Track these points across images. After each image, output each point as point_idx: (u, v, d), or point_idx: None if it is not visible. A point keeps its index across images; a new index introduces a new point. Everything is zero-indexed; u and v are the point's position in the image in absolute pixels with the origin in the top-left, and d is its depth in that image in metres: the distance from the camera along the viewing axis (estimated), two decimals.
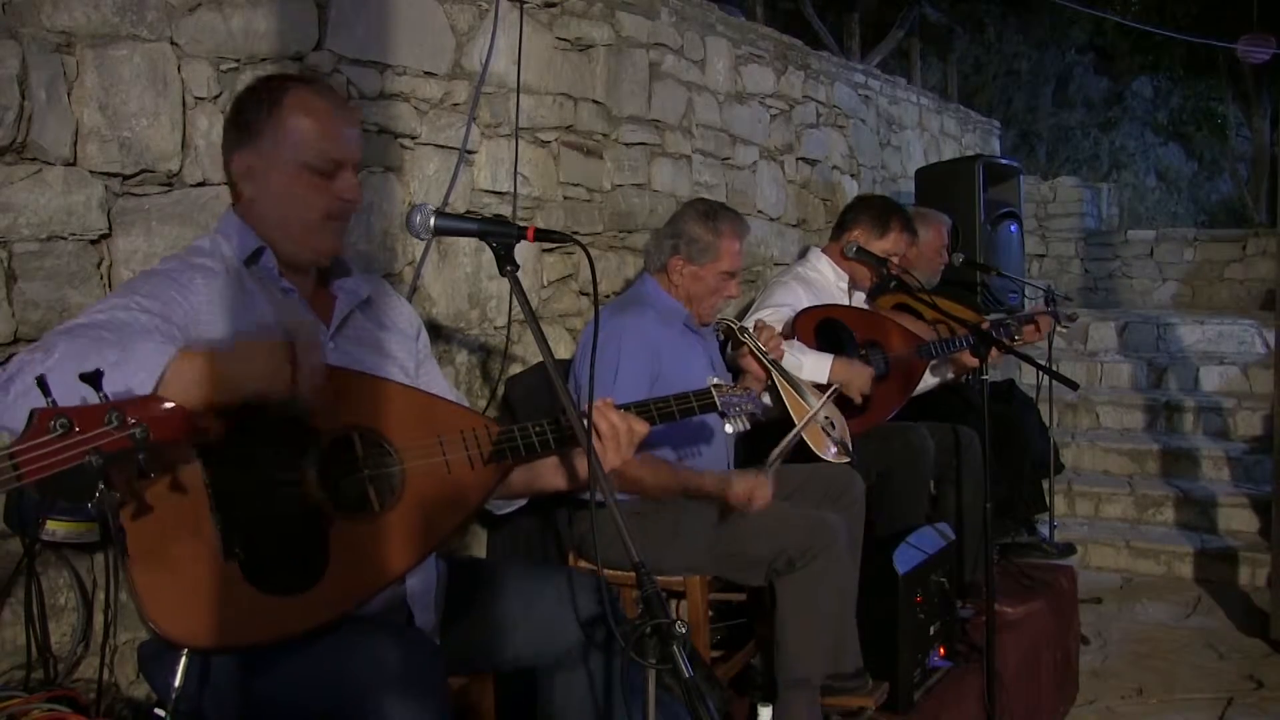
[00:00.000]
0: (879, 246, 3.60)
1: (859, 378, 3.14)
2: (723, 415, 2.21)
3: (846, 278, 3.68)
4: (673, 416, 2.06)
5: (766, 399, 2.88)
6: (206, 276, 1.69)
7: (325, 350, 1.59)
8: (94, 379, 1.24)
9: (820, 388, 3.01)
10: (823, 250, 3.75)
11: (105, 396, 1.24)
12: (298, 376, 1.47)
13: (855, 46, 7.91)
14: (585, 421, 1.63)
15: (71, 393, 1.25)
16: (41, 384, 1.21)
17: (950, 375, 3.73)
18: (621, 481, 2.51)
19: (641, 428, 1.87)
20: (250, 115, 1.75)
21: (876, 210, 3.69)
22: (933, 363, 3.55)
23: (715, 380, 2.24)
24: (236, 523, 1.50)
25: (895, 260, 3.63)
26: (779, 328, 3.24)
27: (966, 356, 3.49)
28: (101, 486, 1.23)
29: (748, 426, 2.29)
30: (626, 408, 1.92)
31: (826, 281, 3.65)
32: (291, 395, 1.48)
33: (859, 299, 3.74)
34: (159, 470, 1.41)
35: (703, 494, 2.57)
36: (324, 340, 1.76)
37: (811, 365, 3.12)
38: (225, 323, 1.65)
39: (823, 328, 3.34)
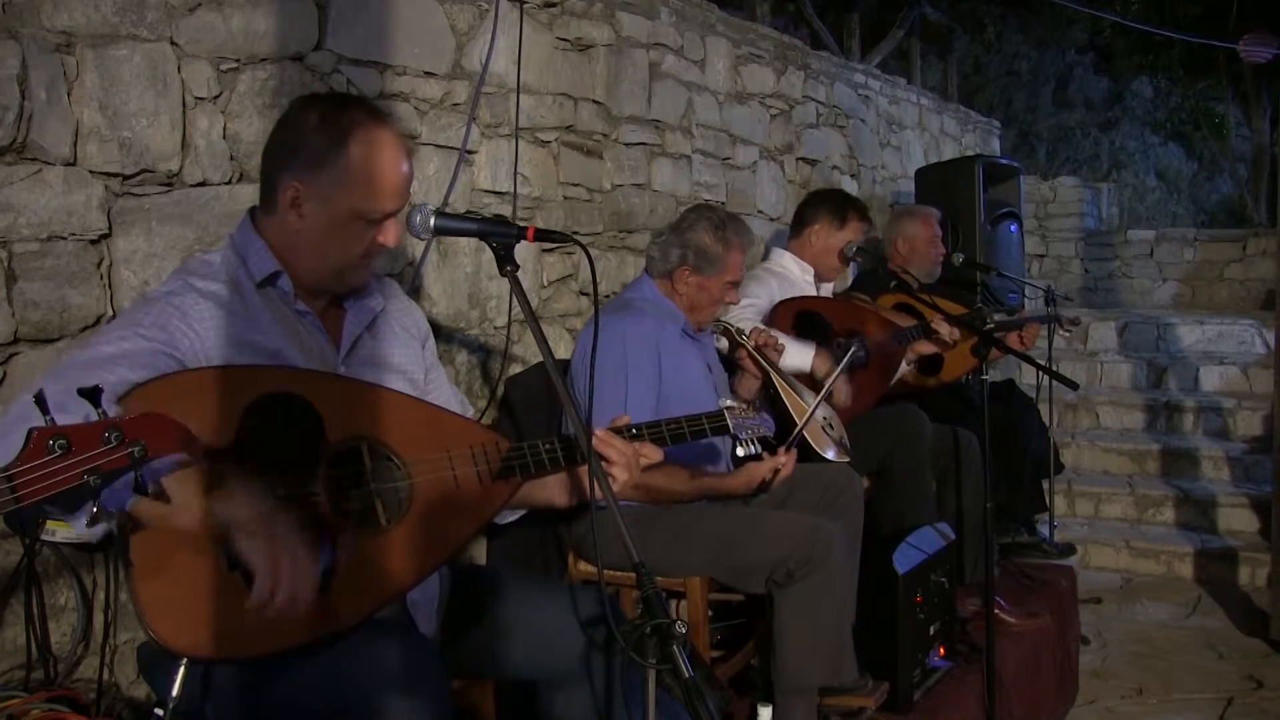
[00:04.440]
0: (840, 238, 3.70)
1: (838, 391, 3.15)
2: (734, 438, 2.20)
3: (812, 271, 3.74)
4: (684, 438, 2.06)
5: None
6: (209, 299, 1.65)
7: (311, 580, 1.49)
8: (93, 395, 1.20)
9: (814, 382, 3.03)
10: (784, 248, 3.81)
11: (104, 413, 1.20)
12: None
13: (855, 46, 7.89)
14: (587, 431, 1.62)
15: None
16: (39, 401, 1.16)
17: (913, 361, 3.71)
18: (645, 491, 2.51)
19: (652, 453, 1.86)
20: (312, 141, 1.66)
21: (833, 204, 3.77)
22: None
23: (728, 402, 2.23)
24: None
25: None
26: (756, 319, 3.28)
27: (933, 341, 3.50)
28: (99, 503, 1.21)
29: (759, 450, 2.28)
30: (639, 427, 1.92)
31: (794, 276, 3.72)
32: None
33: (826, 290, 3.81)
34: (156, 486, 1.37)
35: (727, 493, 2.62)
36: (336, 365, 1.75)
37: (795, 354, 3.14)
38: (232, 348, 1.63)
39: (800, 320, 3.37)
